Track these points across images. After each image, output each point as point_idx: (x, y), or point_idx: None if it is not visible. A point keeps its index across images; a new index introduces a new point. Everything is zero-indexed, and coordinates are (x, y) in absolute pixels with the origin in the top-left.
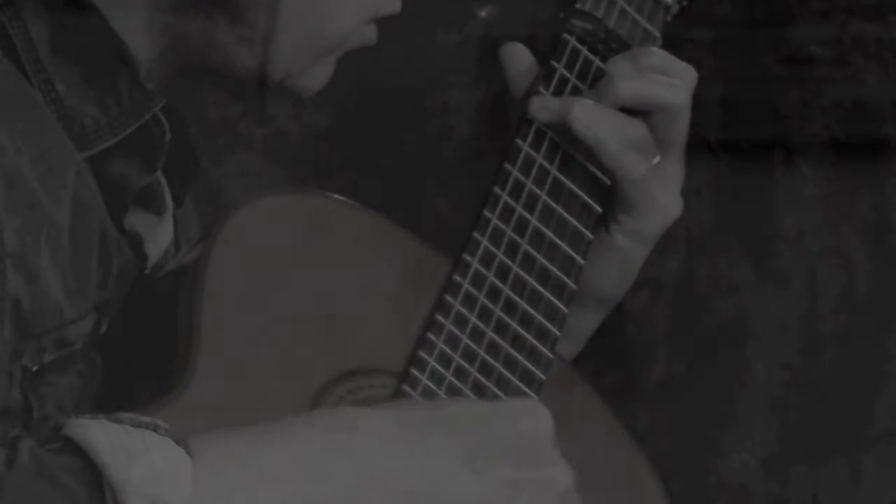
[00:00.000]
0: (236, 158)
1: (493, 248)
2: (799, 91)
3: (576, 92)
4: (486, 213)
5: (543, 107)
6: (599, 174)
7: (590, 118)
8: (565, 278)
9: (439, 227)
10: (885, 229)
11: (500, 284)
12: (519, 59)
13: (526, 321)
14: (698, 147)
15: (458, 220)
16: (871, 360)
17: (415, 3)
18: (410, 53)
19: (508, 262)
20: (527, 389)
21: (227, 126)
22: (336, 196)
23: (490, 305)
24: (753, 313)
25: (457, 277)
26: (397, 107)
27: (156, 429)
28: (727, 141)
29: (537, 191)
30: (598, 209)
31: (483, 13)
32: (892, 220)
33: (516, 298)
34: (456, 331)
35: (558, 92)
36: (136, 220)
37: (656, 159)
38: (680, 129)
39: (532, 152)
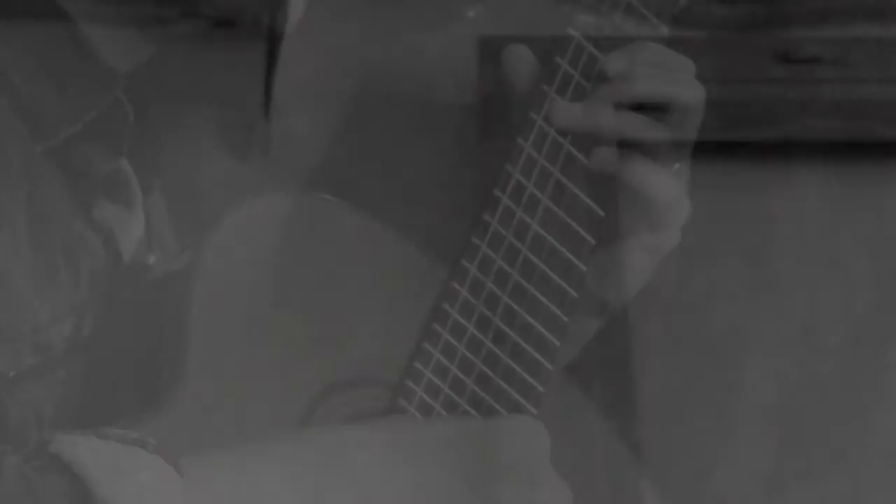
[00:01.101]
0: (220, 162)
1: (492, 254)
2: (798, 92)
3: (581, 89)
4: (486, 216)
5: (567, 115)
6: None
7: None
8: (566, 286)
9: (429, 231)
10: (887, 235)
11: (498, 292)
12: (521, 60)
13: (525, 330)
14: (694, 149)
15: (449, 224)
16: (873, 372)
17: (402, 3)
18: (398, 54)
19: (507, 268)
20: (525, 402)
21: (211, 130)
22: (331, 198)
23: (488, 314)
24: (751, 323)
25: (454, 284)
26: (384, 108)
27: (144, 446)
28: (724, 143)
29: (538, 194)
30: (601, 213)
31: (471, 13)
32: (894, 225)
33: (515, 307)
34: (453, 340)
35: (563, 89)
36: (106, 214)
37: (676, 166)
38: (693, 128)
39: (534, 153)
